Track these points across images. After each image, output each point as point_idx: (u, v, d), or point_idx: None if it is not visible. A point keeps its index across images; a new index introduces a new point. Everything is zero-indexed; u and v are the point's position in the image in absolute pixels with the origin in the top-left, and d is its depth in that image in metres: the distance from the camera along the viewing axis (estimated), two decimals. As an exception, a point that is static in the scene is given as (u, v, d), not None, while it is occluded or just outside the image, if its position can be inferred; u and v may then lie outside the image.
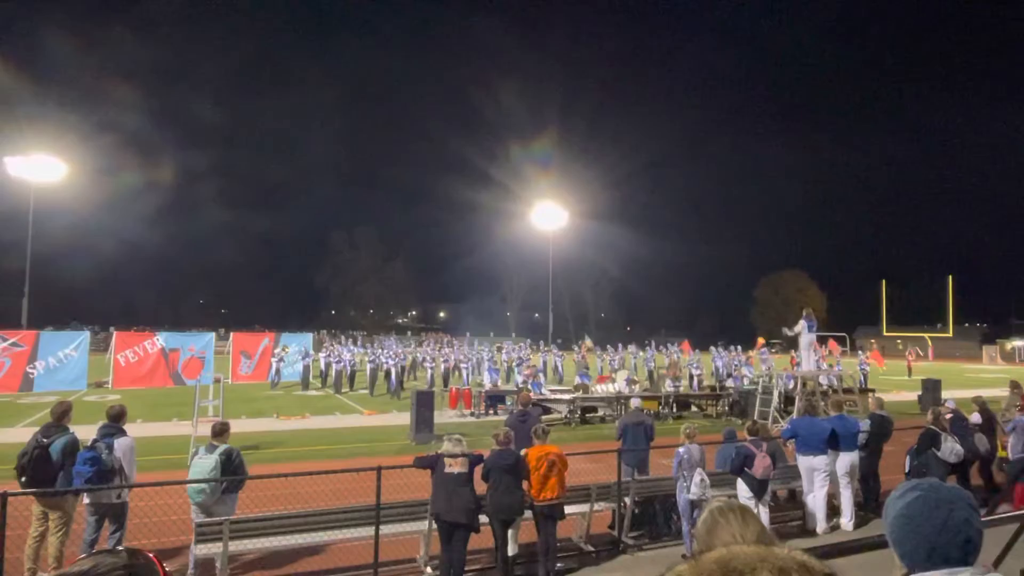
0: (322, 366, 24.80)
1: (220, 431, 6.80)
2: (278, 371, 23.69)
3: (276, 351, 23.25)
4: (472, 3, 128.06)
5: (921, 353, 35.26)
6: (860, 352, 34.85)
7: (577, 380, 20.94)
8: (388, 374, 23.81)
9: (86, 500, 6.39)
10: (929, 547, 1.37)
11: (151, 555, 1.15)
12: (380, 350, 29.34)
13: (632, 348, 36.51)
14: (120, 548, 1.14)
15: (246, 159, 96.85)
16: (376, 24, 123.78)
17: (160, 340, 15.15)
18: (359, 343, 43.50)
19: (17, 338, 14.01)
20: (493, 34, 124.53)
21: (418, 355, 31.40)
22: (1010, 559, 3.68)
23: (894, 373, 35.17)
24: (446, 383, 23.88)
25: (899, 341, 68.81)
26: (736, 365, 24.91)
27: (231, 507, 6.51)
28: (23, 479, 6.22)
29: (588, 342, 38.28)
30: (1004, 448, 10.64)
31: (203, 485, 6.27)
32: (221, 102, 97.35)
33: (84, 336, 14.98)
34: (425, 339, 53.99)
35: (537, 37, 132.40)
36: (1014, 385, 12.97)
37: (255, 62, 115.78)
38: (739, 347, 33.44)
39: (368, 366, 24.33)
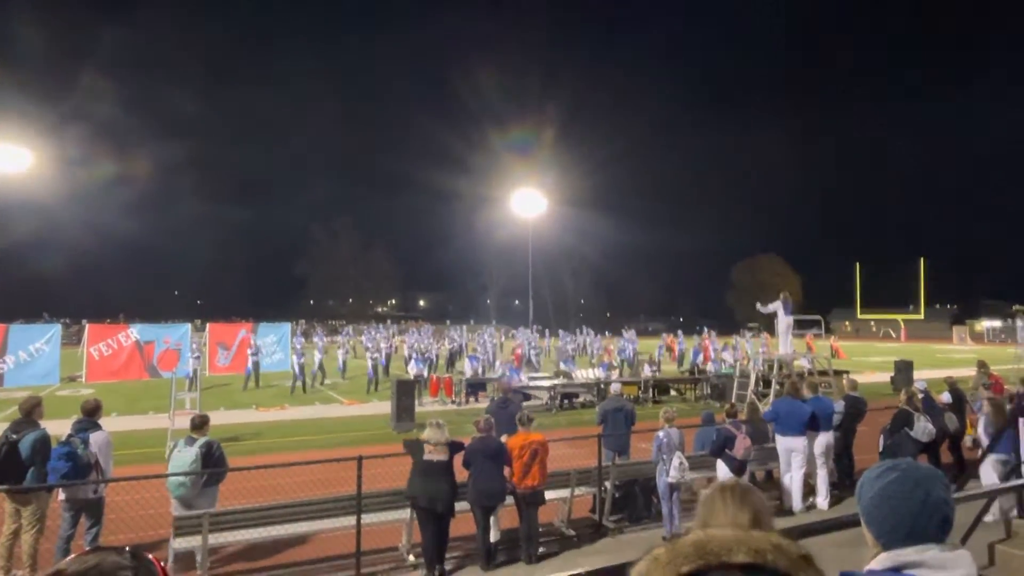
0: (369, 362, 23.05)
1: (200, 424, 6.75)
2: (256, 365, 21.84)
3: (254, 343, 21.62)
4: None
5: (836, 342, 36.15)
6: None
7: (561, 366, 21.02)
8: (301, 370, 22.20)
9: (62, 496, 6.28)
10: (909, 526, 1.39)
11: (151, 557, 1.11)
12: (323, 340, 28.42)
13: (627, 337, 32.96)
14: (125, 548, 1.09)
15: (221, 148, 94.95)
16: (353, 11, 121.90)
17: (134, 332, 14.77)
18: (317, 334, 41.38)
19: (-15, 332, 13.64)
20: (472, 22, 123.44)
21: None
22: (977, 533, 3.80)
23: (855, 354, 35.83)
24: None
25: (873, 323, 70.24)
26: (714, 349, 25.22)
27: (212, 500, 6.47)
28: (-8, 476, 6.09)
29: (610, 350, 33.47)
30: (973, 427, 10.94)
31: (183, 478, 6.21)
32: (197, 91, 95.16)
33: (56, 329, 14.55)
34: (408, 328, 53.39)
35: (515, 25, 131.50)
36: (981, 365, 13.35)
37: (231, 51, 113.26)
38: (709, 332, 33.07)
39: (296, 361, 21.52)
